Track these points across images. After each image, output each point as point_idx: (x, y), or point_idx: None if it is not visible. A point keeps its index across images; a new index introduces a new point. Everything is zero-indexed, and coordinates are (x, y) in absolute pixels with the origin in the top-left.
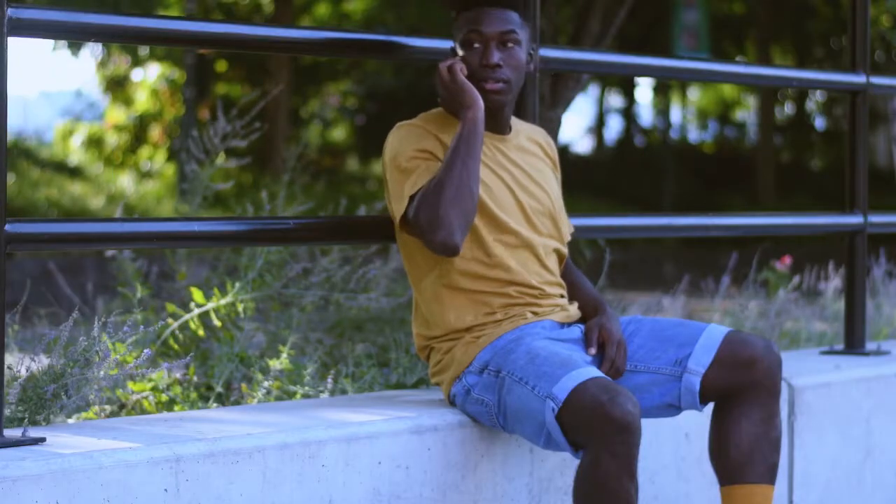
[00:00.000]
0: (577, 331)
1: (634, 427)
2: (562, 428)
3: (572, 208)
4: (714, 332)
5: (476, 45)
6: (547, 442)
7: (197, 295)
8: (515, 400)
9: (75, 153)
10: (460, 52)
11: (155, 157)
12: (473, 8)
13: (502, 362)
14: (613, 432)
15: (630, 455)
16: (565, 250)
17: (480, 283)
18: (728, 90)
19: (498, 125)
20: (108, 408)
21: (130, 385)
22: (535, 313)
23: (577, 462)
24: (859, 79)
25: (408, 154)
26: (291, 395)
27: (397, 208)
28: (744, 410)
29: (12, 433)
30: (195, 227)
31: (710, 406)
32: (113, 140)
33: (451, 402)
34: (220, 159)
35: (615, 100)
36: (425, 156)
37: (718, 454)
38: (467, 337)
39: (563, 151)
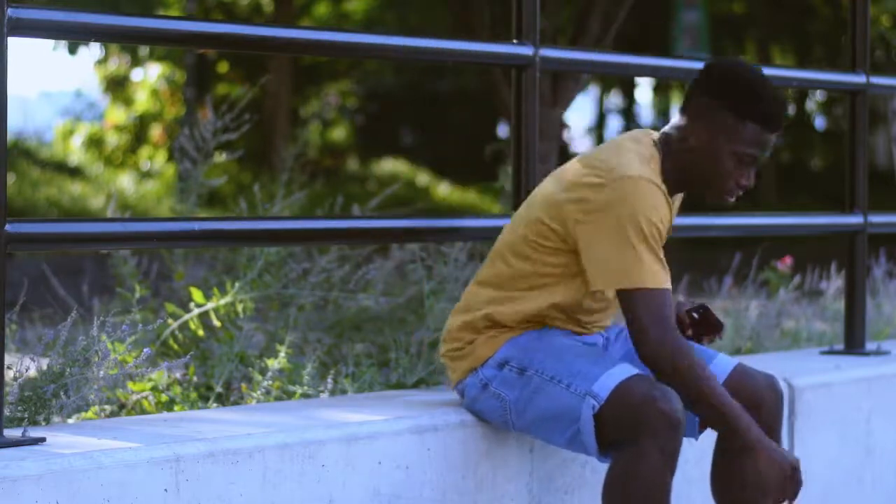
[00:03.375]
0: (599, 338)
1: (682, 425)
2: (596, 426)
3: None
4: (722, 364)
5: (747, 163)
6: (570, 441)
7: (196, 295)
8: (545, 399)
9: (75, 153)
10: (729, 159)
11: (155, 157)
12: (775, 129)
13: (526, 360)
14: (666, 427)
15: (676, 452)
16: None
17: (556, 313)
18: None
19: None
20: (108, 408)
21: (130, 385)
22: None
23: (576, 463)
24: (859, 79)
25: (650, 219)
26: (291, 395)
27: (620, 270)
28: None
29: (12, 433)
30: (195, 226)
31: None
32: (113, 140)
33: (460, 393)
34: (215, 156)
35: (615, 100)
36: (658, 233)
37: (722, 491)
38: (493, 331)
39: (564, 151)
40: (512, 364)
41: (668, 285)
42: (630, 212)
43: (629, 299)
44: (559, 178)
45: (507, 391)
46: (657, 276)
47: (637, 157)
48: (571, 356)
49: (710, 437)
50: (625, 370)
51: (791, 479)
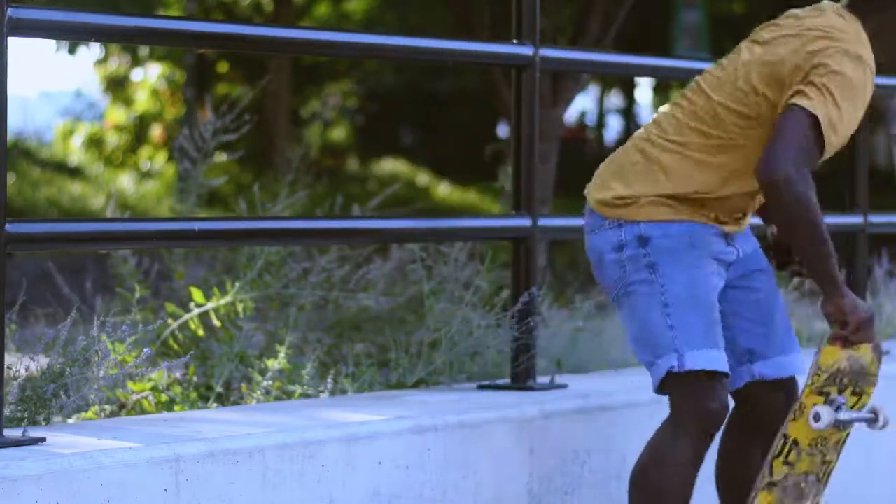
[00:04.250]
0: (733, 253)
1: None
2: (662, 381)
3: (572, 208)
4: (795, 363)
5: None
6: (642, 359)
7: (196, 295)
8: (648, 319)
9: (75, 153)
10: None
11: (155, 157)
12: None
13: (661, 263)
14: (707, 435)
15: (704, 453)
16: None
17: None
18: None
19: None
20: (108, 408)
21: (130, 385)
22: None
23: (576, 462)
24: None
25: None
26: (291, 395)
27: (805, 103)
28: (759, 451)
29: (12, 433)
30: (195, 226)
31: None
32: (113, 140)
33: (589, 226)
34: (215, 156)
35: (615, 100)
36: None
37: (728, 487)
38: (662, 199)
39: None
40: (648, 251)
41: (829, 144)
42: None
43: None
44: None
45: (630, 271)
46: (830, 120)
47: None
48: (698, 300)
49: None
50: (719, 360)
51: (868, 322)
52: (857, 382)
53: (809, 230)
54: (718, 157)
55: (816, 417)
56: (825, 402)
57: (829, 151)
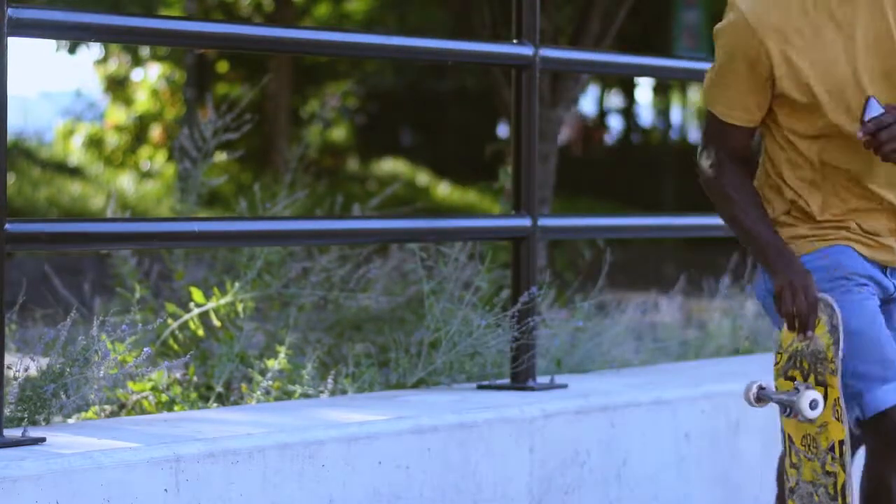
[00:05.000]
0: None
1: None
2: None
3: (572, 208)
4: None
5: None
6: None
7: (196, 295)
8: None
9: (75, 153)
10: None
11: (155, 157)
12: None
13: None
14: None
15: None
16: None
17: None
18: None
19: None
20: (108, 408)
21: (130, 385)
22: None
23: (576, 463)
24: None
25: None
26: (291, 395)
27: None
28: None
29: (12, 433)
30: (195, 226)
31: None
32: (113, 140)
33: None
34: (215, 156)
35: (615, 100)
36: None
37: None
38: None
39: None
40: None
41: None
42: None
43: None
44: None
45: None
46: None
47: None
48: (863, 336)
49: (703, 439)
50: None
51: (804, 309)
52: (817, 368)
53: (721, 214)
54: None
55: (748, 395)
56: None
57: (732, 115)
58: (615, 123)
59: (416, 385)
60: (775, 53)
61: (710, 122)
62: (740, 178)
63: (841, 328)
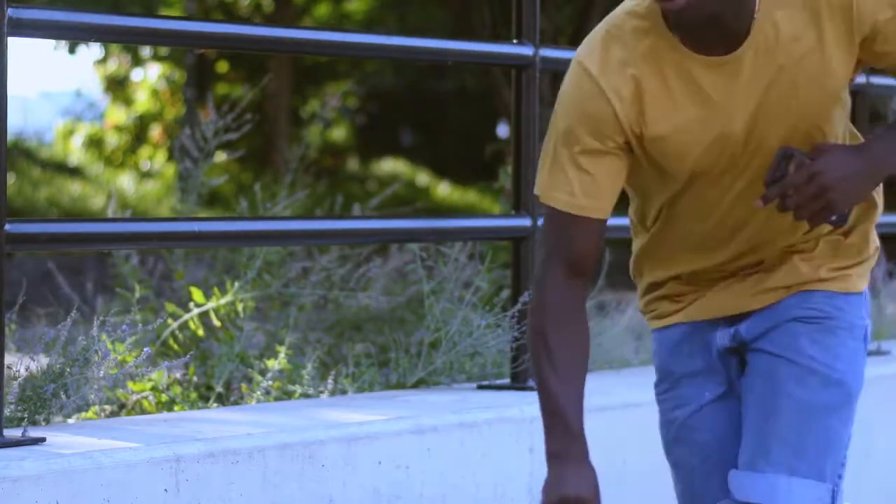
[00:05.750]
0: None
1: None
2: None
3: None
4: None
5: None
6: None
7: (196, 294)
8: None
9: (75, 153)
10: None
11: (155, 157)
12: None
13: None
14: None
15: None
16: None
17: None
18: None
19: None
20: (108, 408)
21: (130, 385)
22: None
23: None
24: (858, 78)
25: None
26: (291, 395)
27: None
28: None
29: (12, 433)
30: (195, 226)
31: None
32: (113, 140)
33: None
34: (216, 156)
35: None
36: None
37: None
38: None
39: None
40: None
41: None
42: None
43: None
44: None
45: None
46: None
47: None
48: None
49: None
50: None
51: None
52: None
53: None
54: None
55: None
56: None
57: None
58: None
59: (416, 385)
60: None
61: None
62: None
63: None
